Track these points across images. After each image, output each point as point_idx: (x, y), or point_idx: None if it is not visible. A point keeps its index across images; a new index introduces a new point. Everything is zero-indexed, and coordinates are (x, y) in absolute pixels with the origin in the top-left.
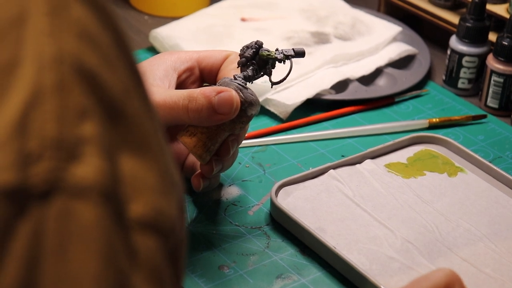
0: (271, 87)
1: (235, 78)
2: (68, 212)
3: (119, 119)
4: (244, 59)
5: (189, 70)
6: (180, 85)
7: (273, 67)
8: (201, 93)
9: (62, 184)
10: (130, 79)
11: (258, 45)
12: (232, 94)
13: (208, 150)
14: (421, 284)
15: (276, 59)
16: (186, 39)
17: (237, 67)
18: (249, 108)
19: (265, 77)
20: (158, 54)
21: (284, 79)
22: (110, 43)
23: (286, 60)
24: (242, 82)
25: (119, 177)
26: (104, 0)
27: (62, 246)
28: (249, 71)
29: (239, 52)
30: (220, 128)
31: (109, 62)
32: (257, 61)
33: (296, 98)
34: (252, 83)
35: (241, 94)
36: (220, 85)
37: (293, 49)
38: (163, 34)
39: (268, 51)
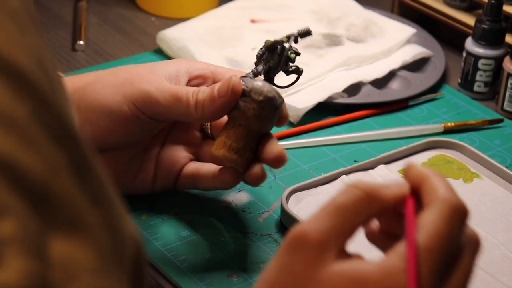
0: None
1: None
2: None
3: (45, 203)
4: (256, 59)
5: (202, 77)
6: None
7: (284, 54)
8: (206, 85)
9: None
10: (57, 153)
11: (282, 43)
12: (230, 77)
13: (231, 148)
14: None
15: (277, 42)
16: (194, 41)
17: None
18: (254, 93)
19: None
20: (179, 59)
21: (293, 83)
22: (29, 116)
23: (295, 40)
24: (250, 75)
25: (50, 265)
26: (20, 61)
27: None
28: (259, 67)
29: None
30: (232, 122)
31: (28, 141)
32: (267, 56)
33: (308, 101)
34: (270, 77)
35: (243, 81)
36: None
37: (299, 33)
38: (170, 35)
39: (293, 52)
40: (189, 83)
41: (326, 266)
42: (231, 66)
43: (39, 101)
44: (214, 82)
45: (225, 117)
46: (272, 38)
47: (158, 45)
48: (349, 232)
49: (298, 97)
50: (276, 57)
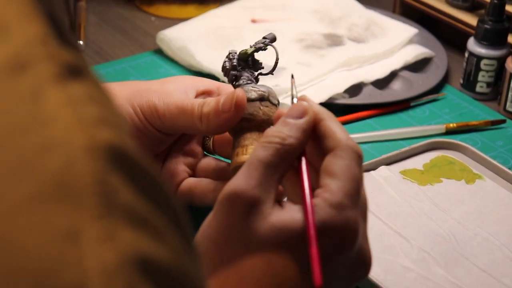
0: (270, 73)
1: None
2: None
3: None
4: (234, 72)
5: (208, 93)
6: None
7: (255, 64)
8: (212, 98)
9: None
10: (176, 235)
11: (233, 53)
12: (234, 92)
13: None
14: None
15: (257, 49)
16: (194, 41)
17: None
18: (272, 97)
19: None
20: (182, 75)
21: (274, 68)
22: (154, 210)
23: (261, 48)
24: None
25: None
26: (139, 158)
27: None
28: (245, 73)
29: (223, 72)
30: (249, 129)
31: (160, 236)
32: (241, 66)
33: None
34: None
35: (255, 87)
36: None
37: (264, 37)
38: (170, 36)
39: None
40: (196, 98)
41: (260, 218)
42: None
43: (157, 193)
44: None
45: (228, 133)
46: (278, 45)
47: (158, 45)
48: (276, 183)
49: None
50: (249, 65)
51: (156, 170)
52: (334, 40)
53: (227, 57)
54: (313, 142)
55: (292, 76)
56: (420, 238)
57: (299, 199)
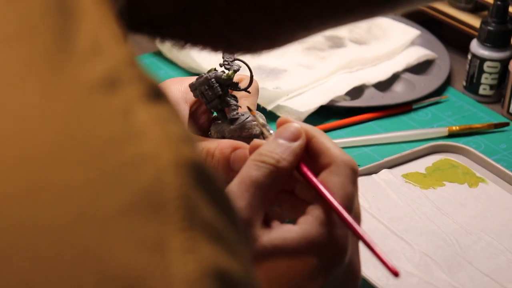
0: (249, 92)
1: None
2: None
3: None
4: (217, 99)
5: (200, 100)
6: (190, 116)
7: (233, 86)
8: (218, 149)
9: None
10: (243, 247)
11: (211, 78)
12: (247, 152)
13: None
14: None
15: (236, 71)
16: None
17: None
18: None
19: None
20: (167, 82)
21: (249, 85)
22: (228, 225)
23: (239, 65)
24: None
25: None
26: (214, 175)
27: None
28: (232, 105)
29: (194, 94)
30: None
31: (234, 250)
32: (223, 92)
33: (309, 104)
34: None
35: (241, 138)
36: (215, 134)
37: (233, 59)
38: None
39: (223, 71)
40: (190, 109)
41: (253, 240)
42: None
43: (228, 211)
44: None
45: None
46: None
47: (158, 47)
48: (267, 204)
49: (300, 100)
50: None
51: (225, 185)
52: (335, 42)
53: (205, 84)
54: (306, 160)
55: (250, 109)
56: (422, 242)
57: (295, 216)
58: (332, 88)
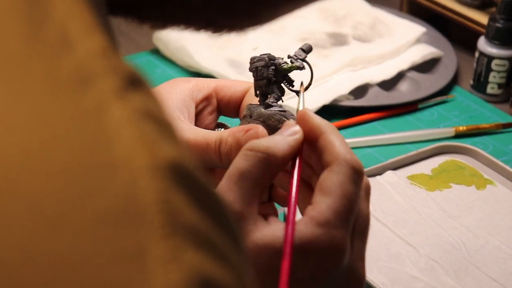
0: (300, 95)
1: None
2: None
3: None
4: (265, 80)
5: (207, 99)
6: (196, 116)
7: (288, 80)
8: (231, 134)
9: None
10: (237, 255)
11: (272, 60)
12: (258, 131)
13: None
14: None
15: (297, 68)
16: (192, 41)
17: (256, 94)
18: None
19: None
20: (174, 80)
21: (310, 83)
22: (215, 228)
23: (304, 65)
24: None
25: None
26: (198, 174)
27: None
28: (275, 94)
29: (250, 66)
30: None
31: (222, 256)
32: (275, 79)
33: (312, 104)
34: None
35: (266, 125)
36: (247, 111)
37: (301, 49)
38: (168, 35)
39: (286, 63)
40: (196, 109)
41: (244, 234)
42: (233, 67)
43: (216, 211)
44: (217, 98)
45: None
46: (280, 44)
47: (155, 44)
48: (258, 195)
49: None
50: (284, 81)
51: (212, 185)
52: (338, 40)
53: (263, 61)
54: (316, 157)
55: (302, 84)
56: (428, 246)
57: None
58: (335, 87)
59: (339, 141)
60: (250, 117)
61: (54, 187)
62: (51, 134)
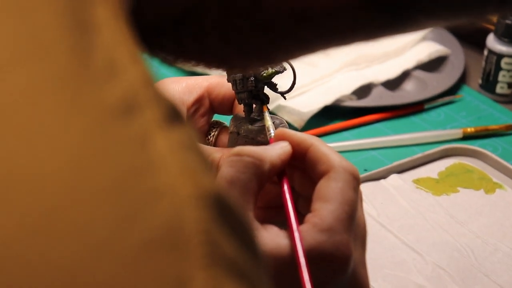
0: (285, 99)
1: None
2: None
3: None
4: (246, 93)
5: (198, 101)
6: (188, 119)
7: (271, 86)
8: (222, 160)
9: None
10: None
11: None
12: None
13: None
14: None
15: (277, 72)
16: None
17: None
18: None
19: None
20: (162, 81)
21: (292, 86)
22: (250, 261)
23: (284, 67)
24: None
25: None
26: (235, 206)
27: None
28: (259, 105)
29: (228, 78)
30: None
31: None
32: (256, 88)
33: (313, 105)
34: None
35: (255, 141)
36: (233, 127)
37: None
38: None
39: (265, 70)
40: (187, 112)
41: None
42: None
43: (247, 235)
44: (210, 99)
45: None
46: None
47: None
48: (252, 202)
49: (303, 100)
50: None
51: (246, 216)
52: None
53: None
54: (304, 172)
55: (264, 102)
56: (435, 253)
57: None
58: (337, 86)
59: (330, 150)
60: (238, 134)
61: (100, 211)
62: (98, 159)
